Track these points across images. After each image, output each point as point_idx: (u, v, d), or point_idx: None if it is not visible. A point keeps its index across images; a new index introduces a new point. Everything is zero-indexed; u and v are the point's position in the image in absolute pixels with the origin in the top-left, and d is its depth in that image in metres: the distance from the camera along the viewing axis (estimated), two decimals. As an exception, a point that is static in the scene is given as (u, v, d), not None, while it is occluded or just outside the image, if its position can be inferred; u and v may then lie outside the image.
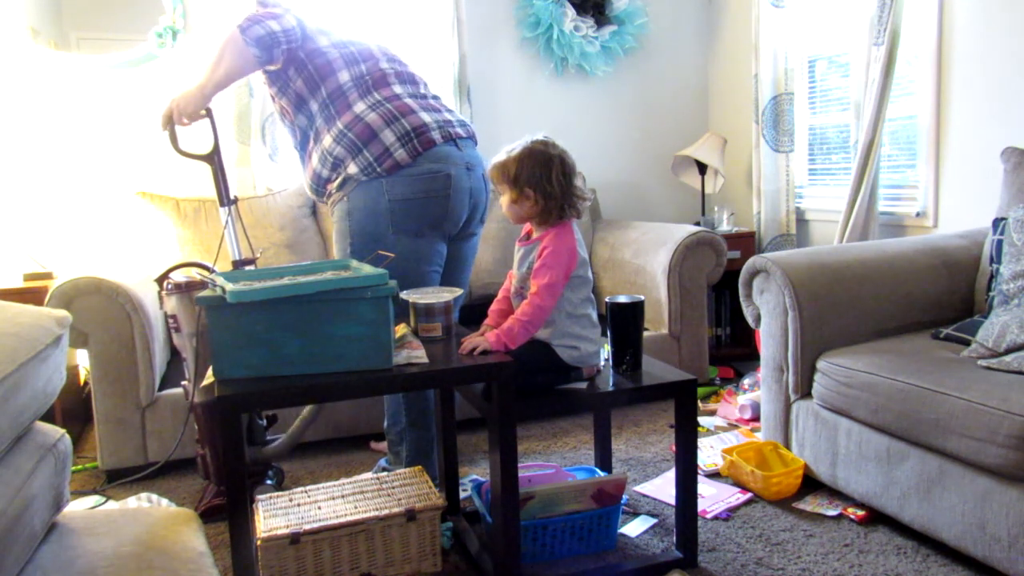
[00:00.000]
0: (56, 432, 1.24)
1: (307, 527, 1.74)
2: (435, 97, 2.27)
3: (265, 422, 2.25)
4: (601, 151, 3.91)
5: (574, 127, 3.86)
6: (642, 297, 1.92)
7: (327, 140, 2.13)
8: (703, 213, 3.82)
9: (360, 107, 2.12)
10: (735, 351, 3.64)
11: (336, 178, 2.15)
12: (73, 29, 3.10)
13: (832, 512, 2.09)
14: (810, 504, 2.14)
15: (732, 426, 2.82)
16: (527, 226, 1.86)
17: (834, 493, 2.17)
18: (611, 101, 3.96)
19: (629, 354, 1.89)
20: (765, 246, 3.57)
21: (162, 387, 2.54)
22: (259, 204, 3.14)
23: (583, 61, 3.79)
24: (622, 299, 1.90)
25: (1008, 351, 1.88)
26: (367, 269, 1.65)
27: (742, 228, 3.73)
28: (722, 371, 3.43)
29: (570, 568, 1.86)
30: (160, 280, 2.17)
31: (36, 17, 3.02)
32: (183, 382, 2.29)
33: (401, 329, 1.84)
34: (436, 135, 2.12)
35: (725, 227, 3.67)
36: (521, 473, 1.80)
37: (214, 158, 2.25)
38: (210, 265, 2.27)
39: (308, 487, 1.96)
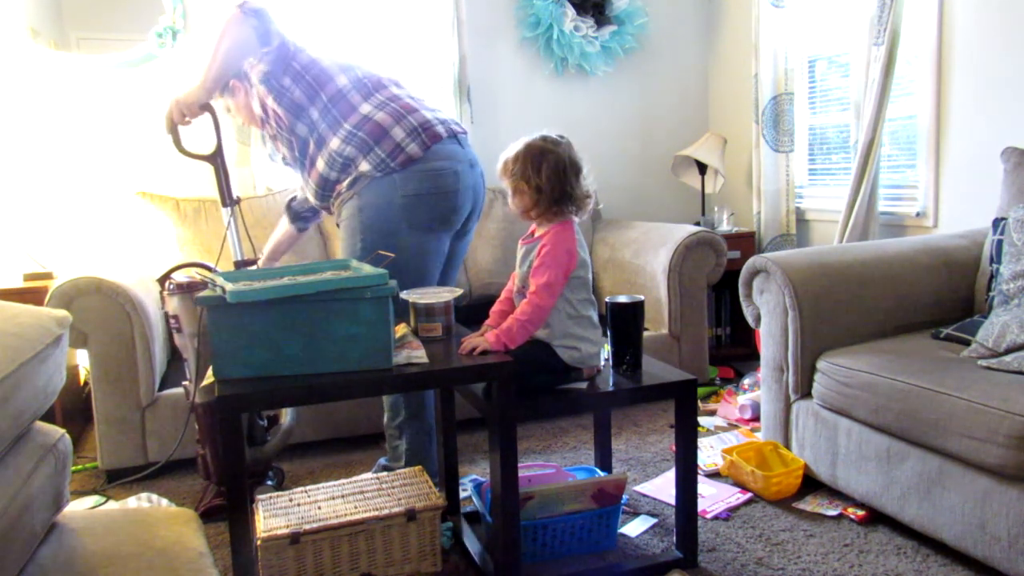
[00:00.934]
0: (56, 432, 1.24)
1: (307, 527, 1.74)
2: (422, 99, 2.31)
3: (266, 422, 2.25)
4: (601, 151, 3.91)
5: (574, 127, 3.84)
6: (642, 297, 1.92)
7: (334, 142, 2.14)
8: (703, 213, 3.83)
9: (367, 108, 2.15)
10: (735, 351, 3.64)
11: (346, 178, 2.17)
12: (73, 29, 3.10)
13: (832, 512, 2.09)
14: (810, 504, 2.15)
15: (732, 426, 2.82)
16: (533, 226, 1.87)
17: (834, 493, 2.17)
18: (611, 101, 3.96)
19: (629, 354, 1.89)
20: (765, 246, 3.57)
21: (162, 387, 2.54)
22: (259, 204, 3.14)
23: (583, 61, 3.79)
24: (622, 299, 1.90)
25: (1008, 351, 1.88)
26: (367, 269, 1.65)
27: (742, 228, 3.73)
28: (722, 371, 3.44)
29: (570, 568, 1.86)
30: (162, 280, 2.17)
31: (36, 17, 3.02)
32: (184, 382, 2.29)
33: (401, 329, 1.84)
34: (440, 129, 2.17)
35: (725, 227, 3.67)
36: (521, 473, 1.80)
37: (217, 158, 2.25)
38: (212, 265, 2.27)
39: (308, 487, 1.96)
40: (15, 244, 3.02)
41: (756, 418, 2.77)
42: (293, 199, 2.46)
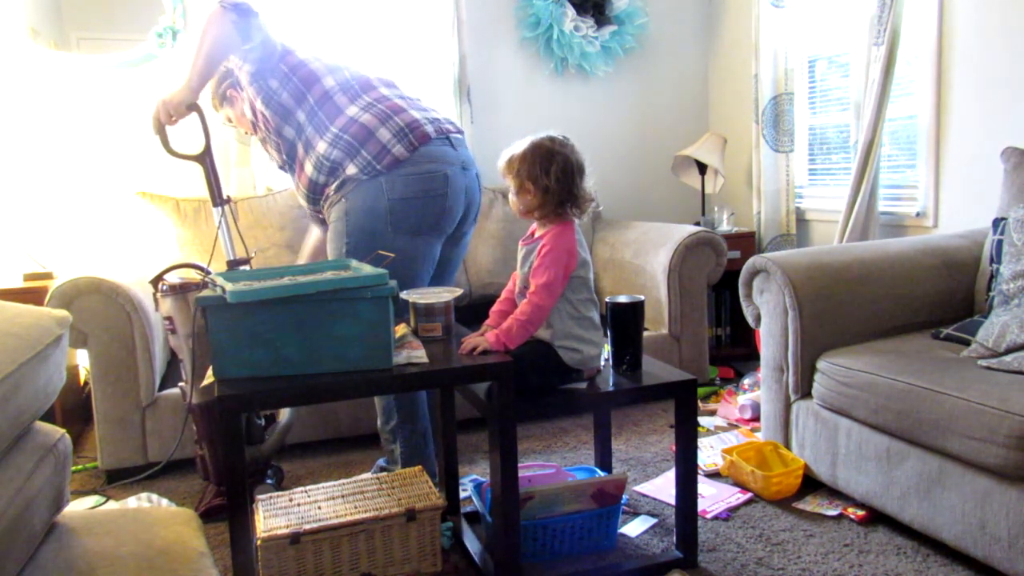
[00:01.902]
0: (56, 432, 1.24)
1: (307, 527, 1.74)
2: (416, 99, 2.30)
3: (263, 421, 2.25)
4: (601, 151, 3.90)
5: (574, 127, 3.82)
6: (642, 297, 1.92)
7: (321, 146, 2.13)
8: (703, 213, 3.82)
9: (353, 110, 2.13)
10: (735, 351, 3.64)
11: (334, 182, 2.16)
12: (73, 29, 3.10)
13: (832, 512, 2.09)
14: (810, 504, 2.15)
15: (732, 426, 2.82)
16: (533, 226, 1.87)
17: (834, 493, 2.17)
18: (611, 101, 3.96)
19: (629, 354, 1.89)
20: (765, 246, 3.57)
21: (162, 387, 2.54)
22: (259, 204, 3.14)
23: (583, 61, 3.79)
24: (622, 299, 1.90)
25: (1008, 351, 1.88)
26: (367, 269, 1.65)
27: (742, 228, 3.73)
28: (722, 371, 3.43)
29: (570, 568, 1.86)
30: (155, 282, 2.16)
31: (36, 17, 3.02)
32: (180, 383, 2.29)
33: (401, 329, 1.84)
34: (429, 128, 2.14)
35: (725, 227, 3.67)
36: (521, 473, 1.80)
37: (205, 158, 2.24)
38: (204, 266, 2.26)
39: (308, 487, 1.96)
40: (15, 244, 3.02)
41: (756, 418, 2.77)
42: None
